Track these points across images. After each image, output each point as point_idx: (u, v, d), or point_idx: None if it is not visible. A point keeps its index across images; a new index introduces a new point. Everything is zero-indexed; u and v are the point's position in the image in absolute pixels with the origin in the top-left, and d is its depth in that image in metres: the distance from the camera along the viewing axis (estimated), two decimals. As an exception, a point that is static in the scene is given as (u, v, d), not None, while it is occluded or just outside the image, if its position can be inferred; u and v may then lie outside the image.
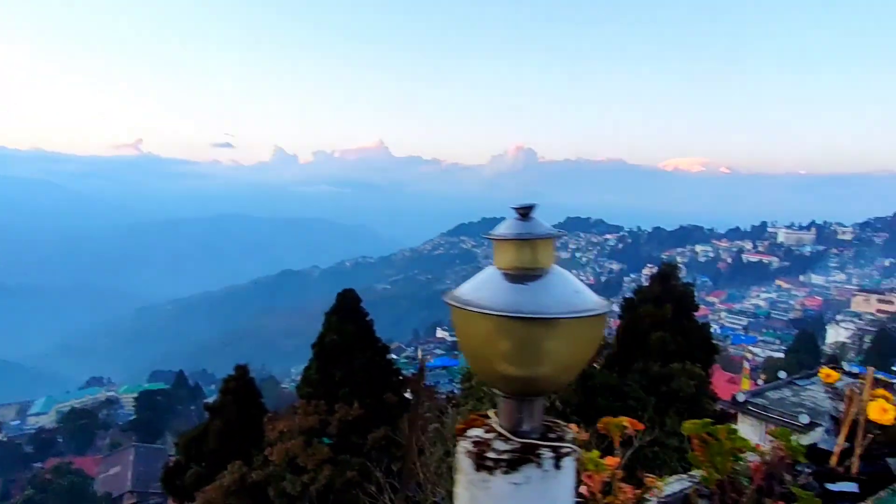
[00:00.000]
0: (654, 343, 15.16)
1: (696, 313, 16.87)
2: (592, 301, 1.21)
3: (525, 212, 1.26)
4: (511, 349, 1.20)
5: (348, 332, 16.45)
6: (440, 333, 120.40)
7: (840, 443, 1.99)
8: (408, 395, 18.76)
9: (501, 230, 1.26)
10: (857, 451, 1.95)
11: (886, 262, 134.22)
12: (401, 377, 17.52)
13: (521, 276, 1.23)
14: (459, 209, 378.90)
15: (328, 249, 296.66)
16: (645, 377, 14.71)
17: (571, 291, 1.21)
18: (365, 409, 15.43)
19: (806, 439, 2.20)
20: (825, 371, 2.42)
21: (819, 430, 2.31)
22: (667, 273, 16.55)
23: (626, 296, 18.28)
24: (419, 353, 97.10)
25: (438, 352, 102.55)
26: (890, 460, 2.05)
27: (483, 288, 1.23)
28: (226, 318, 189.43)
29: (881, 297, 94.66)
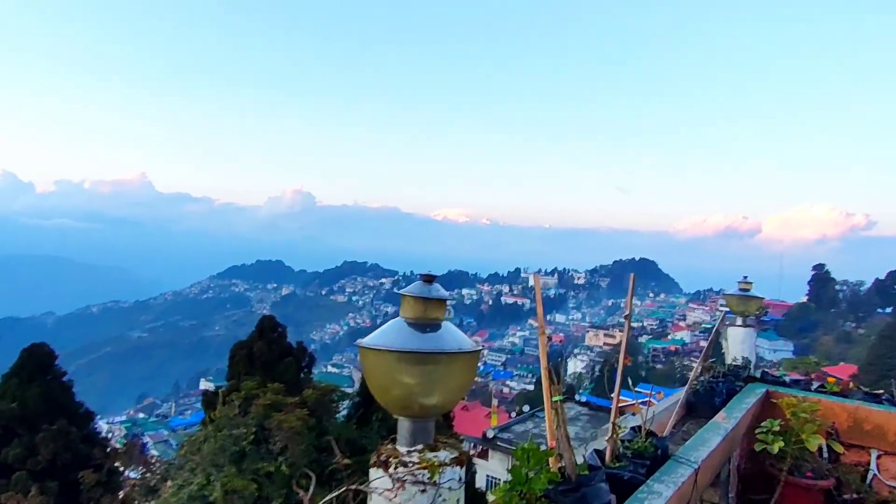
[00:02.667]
0: (395, 389, 15.19)
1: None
2: (470, 344, 1.70)
3: (429, 278, 1.72)
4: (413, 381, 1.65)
5: (32, 399, 13.26)
6: (204, 385, 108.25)
7: None
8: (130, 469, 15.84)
9: (409, 289, 1.69)
10: None
11: (609, 303, 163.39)
12: (108, 449, 14.63)
13: (421, 324, 1.69)
14: (232, 251, 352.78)
15: (69, 293, 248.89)
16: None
17: (457, 337, 1.71)
18: (49, 496, 12.39)
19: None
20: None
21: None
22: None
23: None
24: (172, 409, 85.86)
25: (200, 406, 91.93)
26: None
27: (390, 333, 1.67)
28: None
29: (606, 332, 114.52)
